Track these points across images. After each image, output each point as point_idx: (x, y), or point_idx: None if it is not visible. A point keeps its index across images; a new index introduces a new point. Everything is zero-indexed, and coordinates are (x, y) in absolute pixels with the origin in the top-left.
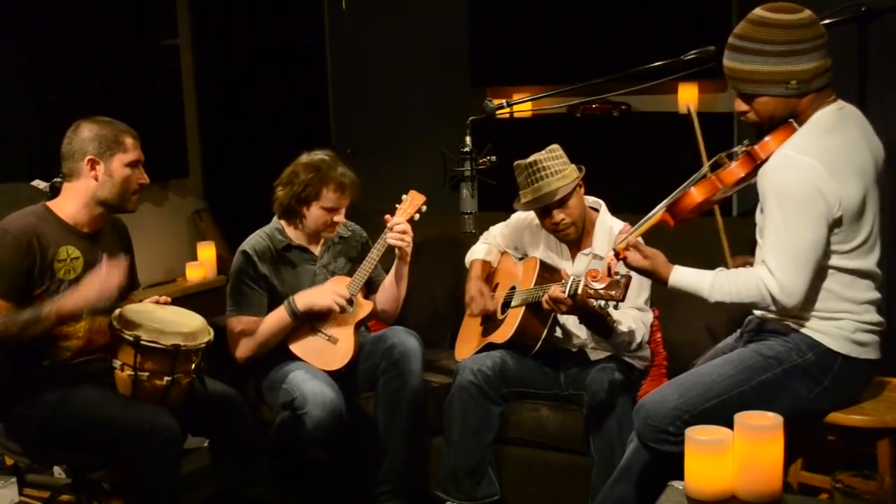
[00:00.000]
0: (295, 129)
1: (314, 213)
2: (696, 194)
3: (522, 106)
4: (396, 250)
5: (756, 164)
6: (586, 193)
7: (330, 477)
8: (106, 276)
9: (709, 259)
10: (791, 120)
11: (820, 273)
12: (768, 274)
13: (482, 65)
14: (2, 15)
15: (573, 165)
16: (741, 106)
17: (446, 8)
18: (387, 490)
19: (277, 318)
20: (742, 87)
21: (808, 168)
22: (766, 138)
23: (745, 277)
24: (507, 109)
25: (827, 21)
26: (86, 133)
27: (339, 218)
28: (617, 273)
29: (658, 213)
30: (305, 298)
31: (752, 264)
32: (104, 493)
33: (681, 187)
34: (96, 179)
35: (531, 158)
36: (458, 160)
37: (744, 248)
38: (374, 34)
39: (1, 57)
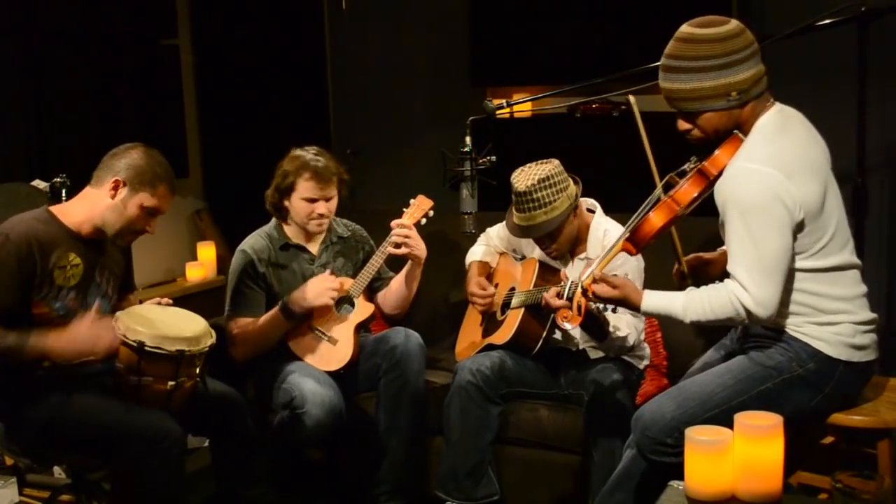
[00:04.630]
0: (295, 129)
1: (295, 205)
2: (655, 220)
3: (522, 106)
4: (408, 255)
5: (709, 180)
6: (586, 194)
7: (330, 477)
8: (95, 329)
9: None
10: (735, 131)
11: (804, 278)
12: (740, 288)
13: (482, 65)
14: (2, 15)
15: (570, 184)
16: (684, 125)
17: (446, 8)
18: (387, 490)
19: (272, 319)
20: (684, 106)
21: (764, 176)
22: (715, 153)
23: (716, 295)
24: (507, 109)
25: (827, 21)
26: (133, 156)
27: (323, 210)
28: (603, 306)
29: (619, 243)
30: (299, 300)
31: (704, 260)
32: (104, 493)
33: (637, 214)
34: (111, 199)
35: (524, 186)
36: (458, 160)
37: (697, 248)
38: (374, 34)
39: (1, 57)
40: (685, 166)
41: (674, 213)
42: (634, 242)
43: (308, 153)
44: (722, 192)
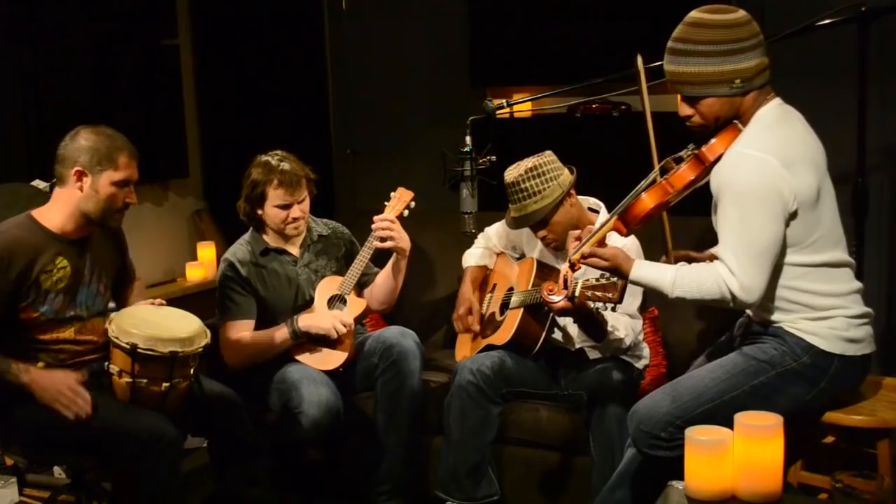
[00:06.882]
0: (295, 130)
1: (269, 213)
2: (647, 201)
3: (522, 106)
4: (393, 248)
5: (705, 166)
6: (586, 193)
7: (329, 477)
8: (74, 392)
9: (652, 252)
10: (735, 121)
11: (796, 274)
12: (728, 272)
13: (482, 65)
14: (2, 15)
15: (565, 172)
16: (686, 110)
17: (446, 8)
18: (387, 490)
19: (277, 335)
20: (687, 91)
21: (762, 163)
22: (713, 140)
23: (706, 275)
24: (507, 109)
25: (827, 21)
26: (81, 142)
27: (296, 213)
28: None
29: (610, 221)
30: (307, 319)
31: (692, 258)
32: (104, 493)
33: (631, 194)
34: (81, 191)
35: (511, 177)
36: (458, 160)
37: (688, 246)
38: (374, 34)
39: (1, 57)
40: (682, 153)
41: (667, 195)
42: (625, 222)
43: (273, 159)
44: (719, 176)
